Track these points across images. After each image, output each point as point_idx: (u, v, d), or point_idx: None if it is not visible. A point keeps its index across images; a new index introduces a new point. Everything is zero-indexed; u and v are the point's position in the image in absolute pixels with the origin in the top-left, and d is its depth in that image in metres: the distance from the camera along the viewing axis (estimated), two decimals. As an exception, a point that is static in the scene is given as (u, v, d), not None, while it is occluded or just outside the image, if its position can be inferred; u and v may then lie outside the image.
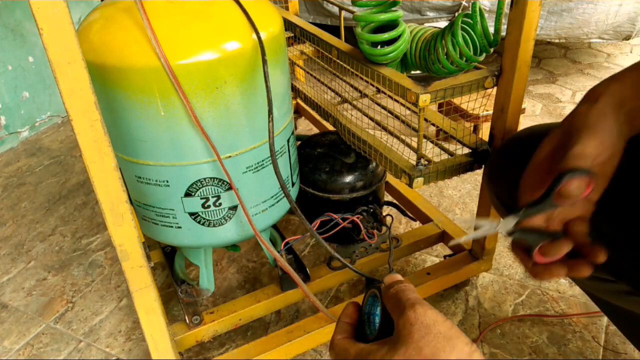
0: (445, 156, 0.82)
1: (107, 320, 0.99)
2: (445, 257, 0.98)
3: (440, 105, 1.30)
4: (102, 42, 0.64)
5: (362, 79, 0.82)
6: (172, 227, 0.75)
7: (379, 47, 0.77)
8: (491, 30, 0.74)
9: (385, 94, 0.89)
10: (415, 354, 0.35)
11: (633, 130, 0.48)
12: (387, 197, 1.14)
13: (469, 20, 0.75)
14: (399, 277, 0.43)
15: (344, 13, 1.09)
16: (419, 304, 0.38)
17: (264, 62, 0.66)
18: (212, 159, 0.69)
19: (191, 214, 0.73)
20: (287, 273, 0.77)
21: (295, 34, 1.01)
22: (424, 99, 0.70)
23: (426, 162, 0.78)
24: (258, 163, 0.74)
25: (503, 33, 0.73)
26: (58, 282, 1.10)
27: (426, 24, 1.76)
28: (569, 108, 1.74)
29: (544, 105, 1.77)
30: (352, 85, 1.03)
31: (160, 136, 0.67)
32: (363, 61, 0.79)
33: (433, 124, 0.88)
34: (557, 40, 1.85)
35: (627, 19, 1.73)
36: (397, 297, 0.40)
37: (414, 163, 0.78)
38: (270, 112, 0.67)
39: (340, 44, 0.86)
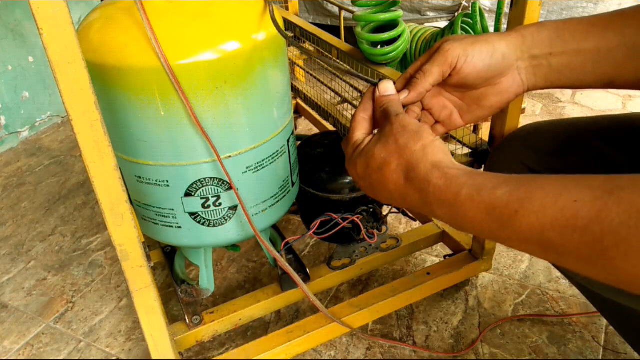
0: (445, 156, 0.82)
1: (107, 320, 0.99)
2: (445, 257, 0.98)
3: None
4: (102, 42, 0.64)
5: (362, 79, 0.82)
6: (172, 227, 0.75)
7: (379, 47, 0.77)
8: (491, 30, 0.74)
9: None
10: (392, 142, 0.47)
11: (539, 82, 0.54)
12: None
13: (469, 20, 0.75)
14: (391, 86, 0.55)
15: (344, 13, 1.09)
16: (401, 113, 0.49)
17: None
18: (212, 159, 0.69)
19: (191, 214, 0.73)
20: (287, 273, 0.77)
21: (295, 34, 1.01)
22: (424, 99, 0.69)
23: (426, 162, 0.78)
24: (258, 163, 0.74)
25: (503, 33, 0.73)
26: (58, 282, 1.10)
27: (426, 24, 1.76)
28: (569, 108, 1.74)
29: (544, 105, 1.77)
30: (352, 85, 1.03)
31: (160, 136, 0.67)
32: (363, 61, 0.79)
33: (433, 124, 0.88)
34: (557, 40, 1.84)
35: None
36: (385, 111, 0.51)
37: (414, 163, 0.78)
38: None
39: (340, 44, 0.86)
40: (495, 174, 0.41)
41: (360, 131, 0.54)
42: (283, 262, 0.77)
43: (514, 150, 0.69)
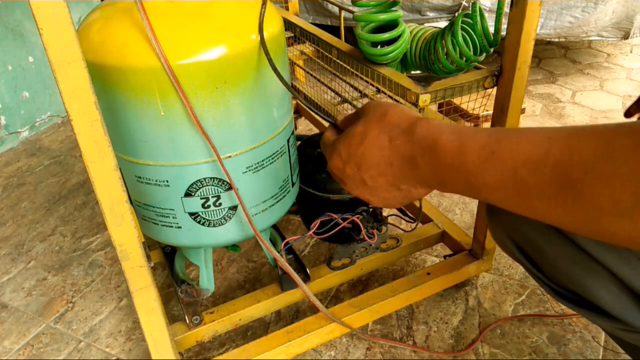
0: (445, 156, 0.82)
1: (107, 320, 0.99)
2: (445, 257, 0.98)
3: (440, 105, 1.29)
4: (102, 42, 0.64)
5: (362, 79, 0.82)
6: (172, 227, 0.75)
7: (379, 47, 0.77)
8: (491, 30, 0.74)
9: (385, 93, 0.89)
10: (371, 115, 0.48)
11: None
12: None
13: (469, 20, 0.75)
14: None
15: (344, 13, 1.09)
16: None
17: None
18: (212, 159, 0.69)
19: (191, 214, 0.73)
20: (287, 273, 0.77)
21: (295, 34, 1.01)
22: (424, 99, 0.70)
23: (426, 162, 0.78)
24: (258, 163, 0.74)
25: (503, 33, 0.73)
26: (58, 282, 1.10)
27: (426, 24, 1.76)
28: (569, 108, 1.74)
29: (544, 105, 1.77)
30: (352, 85, 1.03)
31: (160, 136, 0.67)
32: (363, 61, 0.79)
33: (433, 124, 0.88)
34: (556, 39, 1.85)
35: (625, 16, 1.73)
36: (354, 113, 0.53)
37: (414, 163, 0.78)
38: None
39: (340, 44, 0.86)
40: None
41: (334, 130, 0.55)
42: (283, 262, 0.77)
43: None
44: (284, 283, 0.87)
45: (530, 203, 0.37)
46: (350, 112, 0.58)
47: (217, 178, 0.71)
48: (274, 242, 0.93)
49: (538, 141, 0.36)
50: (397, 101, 0.93)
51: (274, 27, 0.71)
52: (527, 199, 0.37)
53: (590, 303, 0.54)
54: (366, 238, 0.90)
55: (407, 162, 0.44)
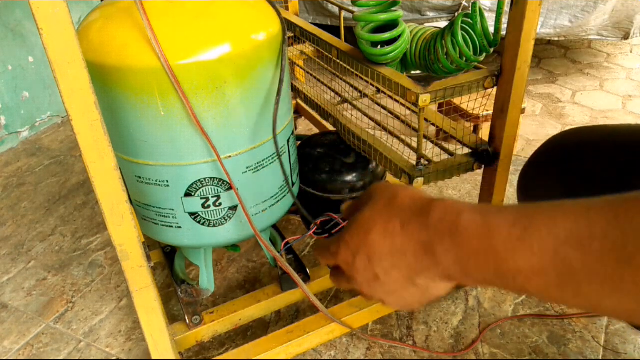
0: (445, 156, 0.82)
1: (107, 320, 0.99)
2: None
3: (440, 105, 1.30)
4: (102, 42, 0.64)
5: (362, 79, 0.82)
6: (172, 227, 0.75)
7: (379, 47, 0.77)
8: (491, 30, 0.74)
9: (385, 94, 0.89)
10: (378, 199, 0.42)
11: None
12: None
13: (469, 20, 0.75)
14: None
15: (344, 13, 1.09)
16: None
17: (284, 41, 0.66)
18: (212, 159, 0.69)
19: (191, 214, 0.73)
20: (287, 273, 0.77)
21: (295, 34, 1.01)
22: (424, 99, 0.70)
23: (426, 162, 0.78)
24: (258, 163, 0.74)
25: (503, 33, 0.73)
26: (58, 282, 1.10)
27: (426, 24, 1.76)
28: (569, 108, 1.74)
29: (544, 105, 1.77)
30: (352, 85, 1.03)
31: (160, 136, 0.67)
32: (363, 61, 0.79)
33: (433, 124, 0.88)
34: (556, 39, 1.85)
35: (625, 16, 1.73)
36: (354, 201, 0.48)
37: (414, 163, 0.78)
38: (277, 102, 0.67)
39: (340, 44, 0.86)
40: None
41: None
42: (283, 262, 0.77)
43: (550, 164, 0.64)
44: (284, 283, 0.87)
45: (579, 289, 0.30)
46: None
47: (217, 178, 0.71)
48: (273, 242, 0.93)
49: (577, 213, 0.31)
50: (397, 101, 0.93)
51: (273, 27, 0.71)
52: (574, 284, 0.31)
53: None
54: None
55: (423, 250, 0.38)
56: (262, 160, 0.74)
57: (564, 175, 0.62)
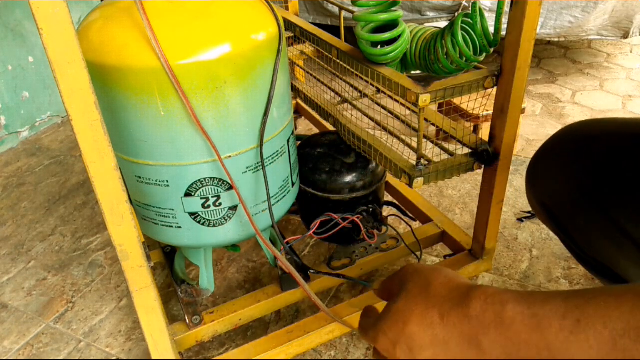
0: (445, 156, 0.82)
1: (107, 320, 0.99)
2: (445, 257, 0.98)
3: (440, 105, 1.30)
4: (102, 42, 0.64)
5: (362, 79, 0.82)
6: (172, 227, 0.75)
7: (379, 47, 0.77)
8: (491, 30, 0.74)
9: (385, 94, 0.89)
10: (413, 287, 0.42)
11: None
12: (387, 197, 1.14)
13: (469, 20, 0.75)
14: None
15: (344, 13, 1.09)
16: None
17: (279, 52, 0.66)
18: (212, 159, 0.69)
19: (191, 214, 0.73)
20: (287, 273, 0.77)
21: (295, 34, 1.01)
22: (424, 99, 0.70)
23: (426, 162, 0.78)
24: (258, 163, 0.74)
25: (503, 33, 0.73)
26: (58, 282, 1.10)
27: (426, 24, 1.76)
28: (569, 108, 1.74)
29: (544, 105, 1.77)
30: (352, 85, 1.03)
31: (160, 136, 0.67)
32: (363, 61, 0.79)
33: (433, 124, 0.88)
34: (556, 39, 1.85)
35: (625, 16, 1.73)
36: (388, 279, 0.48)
37: (414, 163, 0.78)
38: (267, 112, 0.67)
39: (340, 44, 0.86)
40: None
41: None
42: (284, 261, 0.77)
43: (557, 156, 0.64)
44: (284, 283, 0.87)
45: None
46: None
47: (217, 178, 0.71)
48: (274, 242, 0.93)
49: (632, 302, 0.30)
50: (397, 101, 0.93)
51: (273, 27, 0.71)
52: None
53: (617, 276, 0.53)
54: (366, 238, 0.90)
55: (467, 341, 0.37)
56: (262, 160, 0.74)
57: (573, 166, 0.61)
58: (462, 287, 0.39)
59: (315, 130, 1.43)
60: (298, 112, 1.50)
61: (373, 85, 0.82)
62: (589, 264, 0.58)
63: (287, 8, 1.33)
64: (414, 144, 0.79)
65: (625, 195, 0.53)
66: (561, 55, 2.18)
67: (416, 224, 1.08)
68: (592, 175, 0.59)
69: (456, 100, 1.26)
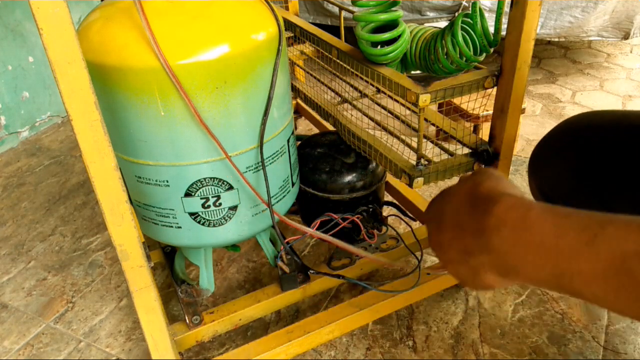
0: (445, 156, 0.82)
1: (107, 320, 0.99)
2: (445, 257, 0.98)
3: (440, 105, 1.30)
4: (102, 42, 0.64)
5: (362, 79, 0.82)
6: (172, 227, 0.75)
7: (379, 47, 0.77)
8: (491, 30, 0.74)
9: (385, 94, 0.89)
10: (472, 178, 0.45)
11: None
12: (387, 197, 1.14)
13: (469, 20, 0.75)
14: None
15: (344, 13, 1.09)
16: None
17: (279, 52, 0.66)
18: (212, 159, 0.69)
19: (191, 214, 0.73)
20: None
21: (295, 34, 1.01)
22: (424, 99, 0.70)
23: (426, 162, 0.78)
24: (258, 163, 0.74)
25: (503, 33, 0.73)
26: (58, 282, 1.10)
27: (426, 24, 1.76)
28: (569, 108, 1.74)
29: (544, 105, 1.77)
30: (352, 85, 1.03)
31: (160, 136, 0.67)
32: (363, 61, 0.79)
33: (433, 124, 0.88)
34: (556, 39, 1.85)
35: (625, 16, 1.73)
36: None
37: (414, 163, 0.78)
38: (266, 112, 0.67)
39: (340, 44, 0.86)
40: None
41: None
42: (318, 234, 0.77)
43: (558, 145, 0.65)
44: (284, 283, 0.87)
45: (638, 299, 0.31)
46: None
47: (217, 178, 0.71)
48: (274, 242, 0.93)
49: None
50: (397, 101, 0.93)
51: (273, 27, 0.71)
52: (634, 294, 0.31)
53: None
54: (366, 238, 0.90)
55: (480, 233, 0.40)
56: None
57: (572, 156, 0.63)
58: (501, 189, 0.41)
59: (315, 130, 1.43)
60: (298, 112, 1.50)
61: (373, 85, 0.82)
62: None
63: (287, 8, 1.33)
64: (414, 144, 0.79)
65: (622, 184, 0.54)
66: (561, 55, 2.18)
67: (416, 224, 1.08)
68: (590, 164, 0.60)
69: (456, 100, 1.26)
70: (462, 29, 0.75)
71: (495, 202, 0.40)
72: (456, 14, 1.78)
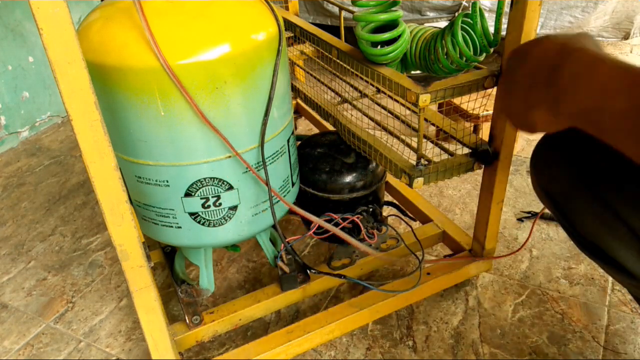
0: (445, 156, 0.82)
1: (107, 320, 0.99)
2: (445, 257, 0.98)
3: (440, 105, 1.30)
4: (102, 42, 0.64)
5: (362, 79, 0.82)
6: (172, 227, 0.75)
7: (379, 47, 0.77)
8: (491, 30, 0.74)
9: (385, 94, 0.89)
10: (563, 34, 0.50)
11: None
12: (387, 197, 1.14)
13: (469, 20, 0.75)
14: None
15: (344, 13, 1.09)
16: None
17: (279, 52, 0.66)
18: (212, 159, 0.69)
19: (191, 214, 0.73)
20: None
21: (295, 34, 1.01)
22: (424, 99, 0.70)
23: (426, 162, 0.78)
24: (258, 163, 0.74)
25: (503, 33, 0.73)
26: (58, 282, 1.10)
27: (426, 24, 1.76)
28: (569, 108, 1.74)
29: (544, 105, 1.77)
30: (352, 85, 1.03)
31: (160, 136, 0.67)
32: (363, 61, 0.79)
33: (433, 124, 0.88)
34: (557, 40, 1.84)
35: (625, 16, 1.73)
36: None
37: (414, 163, 0.78)
38: (267, 113, 0.67)
39: (340, 44, 0.86)
40: None
41: None
42: (322, 223, 0.76)
43: (562, 147, 0.65)
44: (284, 283, 0.87)
45: None
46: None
47: (217, 178, 0.71)
48: (274, 242, 0.93)
49: None
50: (397, 101, 0.93)
51: (273, 27, 0.71)
52: None
53: (613, 260, 0.58)
54: (366, 238, 0.90)
55: (555, 67, 0.46)
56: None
57: (572, 153, 0.63)
58: (576, 44, 0.47)
59: (315, 130, 1.43)
60: (298, 112, 1.50)
61: (373, 85, 0.82)
62: (588, 248, 0.62)
63: (287, 8, 1.33)
64: (414, 144, 0.79)
65: (621, 181, 0.55)
66: (561, 55, 2.17)
67: (416, 224, 1.08)
68: (590, 161, 0.61)
69: (456, 100, 1.26)
70: (462, 29, 0.75)
71: (573, 51, 0.45)
72: (456, 14, 1.78)
